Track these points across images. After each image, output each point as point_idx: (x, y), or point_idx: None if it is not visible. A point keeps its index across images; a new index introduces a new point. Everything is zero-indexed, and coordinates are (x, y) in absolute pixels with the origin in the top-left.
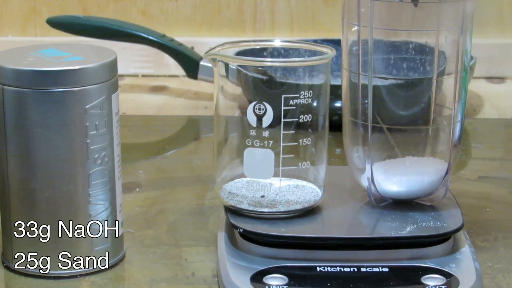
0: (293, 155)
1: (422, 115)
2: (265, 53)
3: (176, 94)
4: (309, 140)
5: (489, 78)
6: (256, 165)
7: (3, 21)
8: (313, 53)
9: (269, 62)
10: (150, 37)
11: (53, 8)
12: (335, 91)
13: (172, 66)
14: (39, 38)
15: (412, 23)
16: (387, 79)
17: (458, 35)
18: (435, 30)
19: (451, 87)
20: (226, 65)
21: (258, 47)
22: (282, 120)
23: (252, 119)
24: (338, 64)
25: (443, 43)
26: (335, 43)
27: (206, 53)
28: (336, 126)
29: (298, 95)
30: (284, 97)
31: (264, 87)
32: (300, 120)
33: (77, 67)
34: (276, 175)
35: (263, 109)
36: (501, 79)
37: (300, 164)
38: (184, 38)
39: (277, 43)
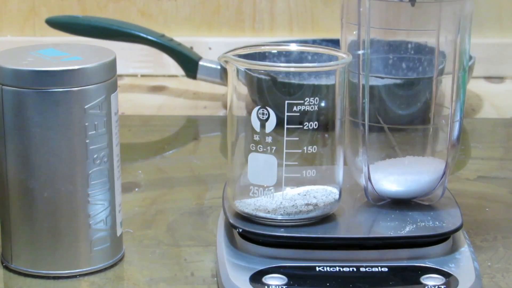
0: (297, 162)
1: (422, 115)
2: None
3: (175, 94)
4: (314, 148)
5: (488, 78)
6: (260, 171)
7: (2, 21)
8: (330, 58)
9: (283, 67)
10: (149, 37)
11: (52, 8)
12: None
13: (171, 66)
14: (38, 38)
15: (410, 22)
16: (383, 78)
17: (456, 35)
18: (433, 29)
19: (450, 87)
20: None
21: (274, 51)
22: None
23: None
24: None
25: (442, 43)
26: (334, 43)
27: (220, 56)
28: None
29: (302, 101)
30: (288, 103)
31: (271, 91)
32: (305, 127)
33: (76, 67)
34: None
35: (266, 114)
36: (500, 78)
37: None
38: (183, 38)
39: (293, 47)
